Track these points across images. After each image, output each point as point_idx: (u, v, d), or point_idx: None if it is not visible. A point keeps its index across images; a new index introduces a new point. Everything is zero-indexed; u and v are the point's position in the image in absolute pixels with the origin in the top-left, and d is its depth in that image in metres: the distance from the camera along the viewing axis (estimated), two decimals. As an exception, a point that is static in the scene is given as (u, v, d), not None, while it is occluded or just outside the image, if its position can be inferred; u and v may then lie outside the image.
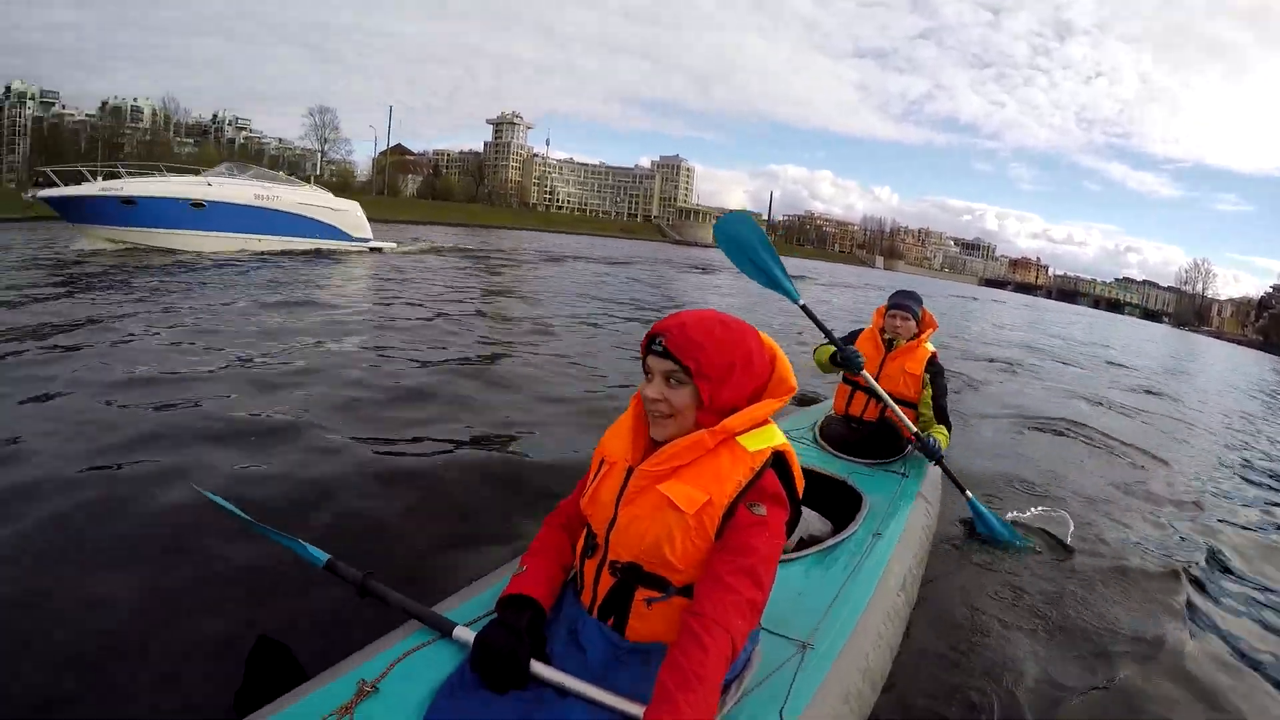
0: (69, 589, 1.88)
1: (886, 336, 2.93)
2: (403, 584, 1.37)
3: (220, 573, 2.00)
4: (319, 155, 59.97)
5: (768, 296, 6.63)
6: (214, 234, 13.84)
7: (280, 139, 64.90)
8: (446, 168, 70.84)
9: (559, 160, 79.18)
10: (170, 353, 4.66)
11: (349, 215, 16.32)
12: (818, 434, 2.90)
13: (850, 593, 1.73)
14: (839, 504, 2.36)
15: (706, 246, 51.82)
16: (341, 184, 57.41)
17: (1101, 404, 7.36)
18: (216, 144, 61.61)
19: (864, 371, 2.69)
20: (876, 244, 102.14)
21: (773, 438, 1.14)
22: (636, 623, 1.14)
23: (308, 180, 18.11)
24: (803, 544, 2.03)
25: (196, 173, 15.08)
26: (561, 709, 1.07)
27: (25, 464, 2.62)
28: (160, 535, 2.20)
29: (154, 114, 61.17)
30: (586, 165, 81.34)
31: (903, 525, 2.18)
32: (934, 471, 2.73)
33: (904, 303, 2.91)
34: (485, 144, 74.69)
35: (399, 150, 66.62)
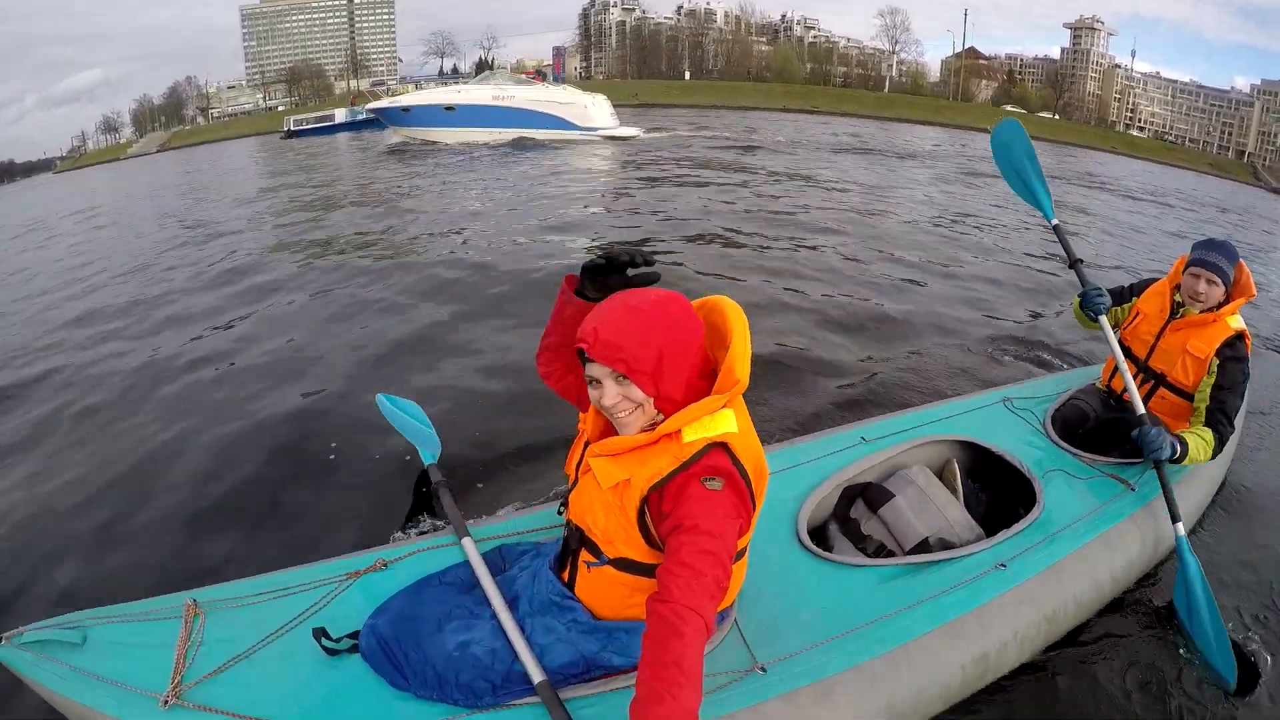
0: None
1: (1177, 300, 2.17)
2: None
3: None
4: (892, 55, 60.24)
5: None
6: (461, 129, 19.30)
7: (849, 38, 62.93)
8: (1021, 74, 63.27)
9: (1143, 74, 63.18)
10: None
11: (575, 107, 19.71)
12: (1050, 415, 2.24)
13: (883, 633, 1.33)
14: (1012, 503, 1.84)
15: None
16: (912, 86, 58.23)
17: None
18: (787, 42, 62.56)
19: (1103, 319, 2.15)
20: None
21: (715, 428, 1.11)
22: (580, 580, 1.25)
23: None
24: (922, 547, 1.63)
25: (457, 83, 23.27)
26: (480, 629, 1.25)
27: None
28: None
29: (726, 16, 62.90)
30: (1175, 83, 63.16)
31: (1054, 560, 1.61)
32: (1193, 491, 2.05)
33: (1210, 258, 2.06)
34: (1062, 50, 63.72)
35: (972, 54, 61.10)
